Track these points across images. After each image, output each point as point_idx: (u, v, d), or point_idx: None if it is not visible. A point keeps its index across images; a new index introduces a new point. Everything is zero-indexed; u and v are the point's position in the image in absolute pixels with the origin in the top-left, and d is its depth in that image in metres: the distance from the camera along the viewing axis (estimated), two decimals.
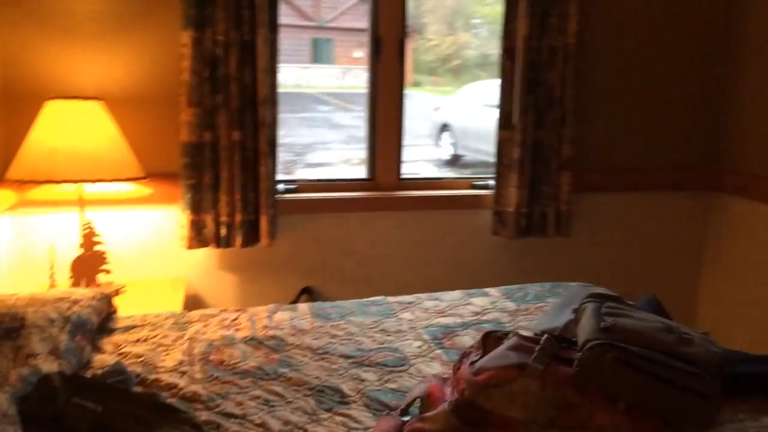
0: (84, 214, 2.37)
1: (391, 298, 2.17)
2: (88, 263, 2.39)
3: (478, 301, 2.15)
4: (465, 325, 1.94)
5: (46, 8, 2.37)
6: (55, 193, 2.43)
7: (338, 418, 1.43)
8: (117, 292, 2.43)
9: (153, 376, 1.58)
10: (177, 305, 2.34)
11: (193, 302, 2.66)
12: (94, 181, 2.25)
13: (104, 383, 1.27)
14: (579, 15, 2.70)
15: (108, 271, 2.45)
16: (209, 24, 2.40)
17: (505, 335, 1.30)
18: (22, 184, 2.24)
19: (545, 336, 1.24)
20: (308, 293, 2.79)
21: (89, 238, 2.40)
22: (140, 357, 1.70)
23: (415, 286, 2.71)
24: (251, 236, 2.57)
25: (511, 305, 2.11)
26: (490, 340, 1.30)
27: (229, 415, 1.42)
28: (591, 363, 1.15)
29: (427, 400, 1.31)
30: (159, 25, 2.46)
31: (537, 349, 1.20)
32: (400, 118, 2.84)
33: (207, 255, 2.67)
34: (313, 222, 2.77)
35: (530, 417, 1.12)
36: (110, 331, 1.88)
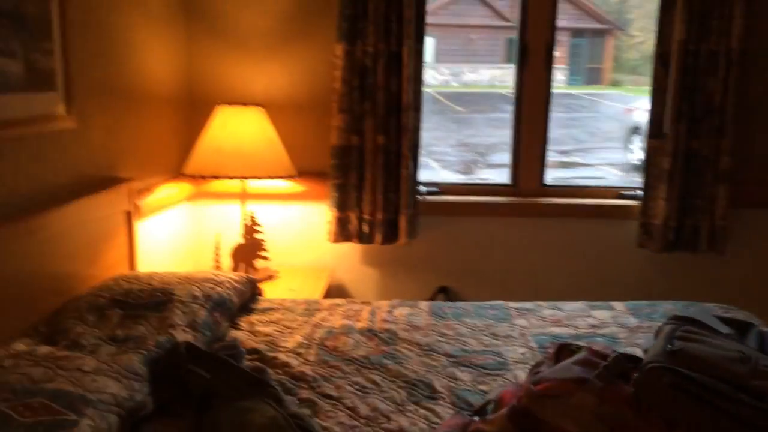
0: (246, 206, 2.68)
1: (511, 304, 2.21)
2: (248, 250, 2.70)
3: (599, 314, 2.11)
4: (577, 337, 1.93)
5: (224, 25, 2.72)
6: (224, 187, 2.77)
7: (422, 411, 1.52)
8: (271, 277, 2.71)
9: (272, 354, 1.79)
10: (318, 293, 2.56)
11: (337, 291, 2.88)
12: (253, 178, 2.54)
13: (217, 355, 1.48)
14: (745, 17, 2.50)
15: (266, 258, 2.74)
16: (360, 37, 2.59)
17: (579, 349, 1.31)
18: (196, 178, 2.59)
19: (615, 354, 1.23)
20: (444, 292, 2.89)
21: (250, 228, 2.71)
22: (267, 336, 1.92)
23: (551, 294, 2.68)
24: (391, 234, 2.73)
25: (633, 321, 2.05)
26: (564, 352, 1.32)
27: (326, 396, 1.58)
28: (646, 385, 1.14)
29: (499, 404, 1.36)
30: (316, 39, 2.70)
31: (602, 365, 1.20)
32: (545, 125, 2.84)
33: (352, 249, 2.87)
34: (453, 224, 2.86)
35: (575, 429, 1.13)
36: (250, 311, 2.13)
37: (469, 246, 2.87)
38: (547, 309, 2.17)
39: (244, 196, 2.67)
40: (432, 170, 6.76)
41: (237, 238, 2.70)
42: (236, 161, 2.49)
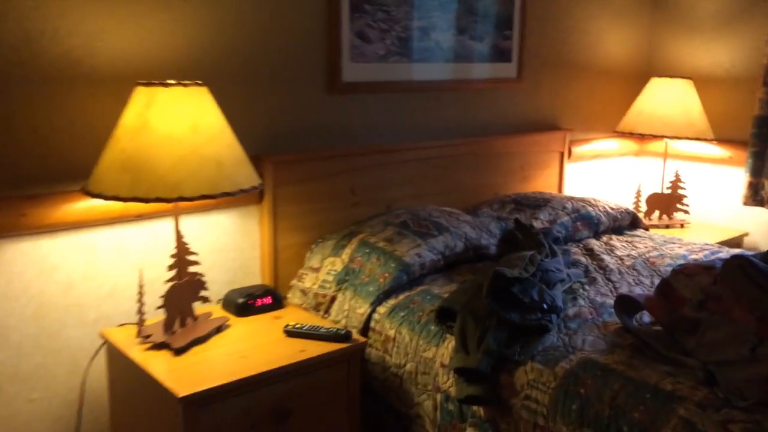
0: (666, 163, 3.20)
1: None
2: (665, 200, 3.21)
3: None
4: None
5: (681, 12, 3.26)
6: (653, 147, 3.34)
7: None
8: (682, 226, 3.18)
9: (599, 254, 2.43)
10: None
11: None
12: (667, 138, 3.06)
13: (533, 230, 2.26)
14: None
15: (686, 211, 3.21)
16: None
17: None
18: (624, 135, 3.26)
19: (750, 257, 1.53)
20: None
21: (675, 183, 3.22)
22: (612, 247, 2.54)
23: None
24: None
25: None
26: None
27: (608, 279, 2.18)
28: (725, 264, 1.44)
29: None
30: (754, 19, 2.98)
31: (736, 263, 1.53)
32: None
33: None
34: None
35: (689, 296, 1.52)
36: (621, 233, 2.75)
37: None
38: None
39: (665, 155, 3.19)
40: None
41: (655, 189, 3.25)
42: (657, 123, 3.06)
